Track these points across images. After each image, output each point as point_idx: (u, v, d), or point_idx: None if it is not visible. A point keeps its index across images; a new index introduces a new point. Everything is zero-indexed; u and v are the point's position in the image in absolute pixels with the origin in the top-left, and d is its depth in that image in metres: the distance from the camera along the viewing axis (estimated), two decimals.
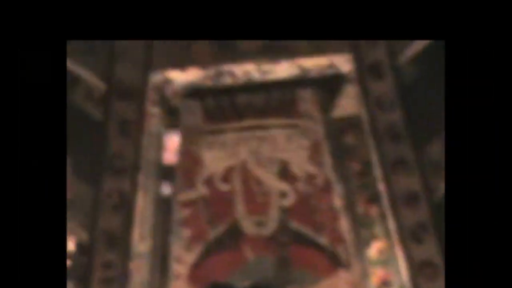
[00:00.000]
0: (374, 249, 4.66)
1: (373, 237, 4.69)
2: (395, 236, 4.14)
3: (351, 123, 4.96)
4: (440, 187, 4.12)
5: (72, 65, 4.53)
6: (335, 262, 4.21)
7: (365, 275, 4.38)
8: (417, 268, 3.98)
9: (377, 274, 4.56)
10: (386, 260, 4.59)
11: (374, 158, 4.36)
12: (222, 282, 2.43)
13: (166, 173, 4.92)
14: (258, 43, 4.51)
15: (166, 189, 4.88)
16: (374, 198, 4.71)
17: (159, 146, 4.97)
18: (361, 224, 4.71)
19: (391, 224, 4.15)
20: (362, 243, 4.59)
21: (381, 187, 4.27)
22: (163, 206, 4.80)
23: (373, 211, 4.74)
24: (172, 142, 5.03)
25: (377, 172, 4.31)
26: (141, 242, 4.37)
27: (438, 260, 3.97)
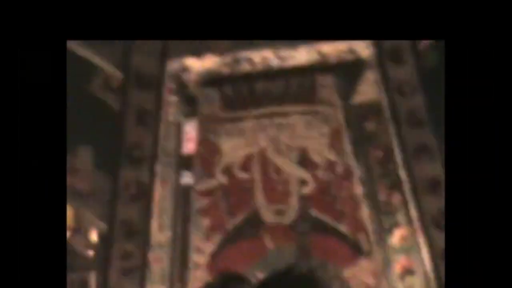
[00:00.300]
0: (397, 237, 4.61)
1: (395, 225, 4.64)
2: (417, 223, 4.12)
3: (372, 109, 4.94)
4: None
5: (88, 54, 4.56)
6: (357, 251, 4.24)
7: (387, 263, 4.37)
8: (440, 256, 3.94)
9: (400, 262, 4.51)
10: (409, 248, 4.54)
11: (395, 144, 4.34)
12: (234, 273, 2.42)
13: (185, 163, 4.94)
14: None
15: (185, 179, 4.90)
16: (395, 186, 4.67)
17: (178, 136, 4.97)
18: (383, 212, 4.68)
19: (413, 211, 4.14)
20: (384, 231, 4.58)
21: (403, 174, 4.25)
22: (182, 196, 4.83)
23: (395, 198, 4.68)
24: (191, 131, 5.02)
25: (398, 159, 4.30)
26: (160, 233, 4.39)
27: None
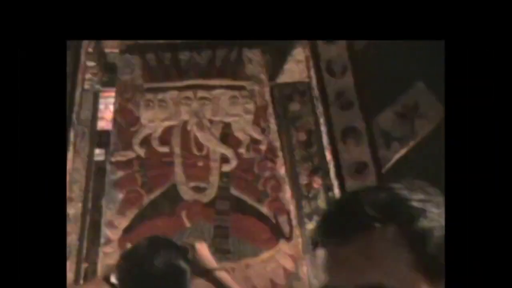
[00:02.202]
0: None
1: (316, 210, 4.67)
2: None
3: (296, 90, 4.97)
4: (389, 157, 4.08)
5: None
6: (277, 234, 4.19)
7: (307, 249, 4.29)
8: None
9: None
10: None
11: (322, 125, 4.22)
12: (163, 237, 2.33)
13: (99, 138, 4.90)
14: None
15: (97, 157, 4.85)
16: (317, 170, 4.72)
17: (94, 106, 4.90)
18: (304, 196, 4.71)
19: (337, 195, 4.05)
20: (304, 216, 4.60)
21: (328, 156, 4.13)
22: (96, 171, 4.77)
23: (317, 183, 4.73)
24: (107, 108, 4.97)
25: (324, 140, 4.17)
26: (70, 205, 4.29)
27: None
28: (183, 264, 2.16)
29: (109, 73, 4.90)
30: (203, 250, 2.35)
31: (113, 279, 2.28)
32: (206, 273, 2.31)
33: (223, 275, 2.36)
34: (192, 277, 2.21)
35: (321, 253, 1.38)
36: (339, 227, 1.29)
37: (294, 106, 5.01)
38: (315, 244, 1.34)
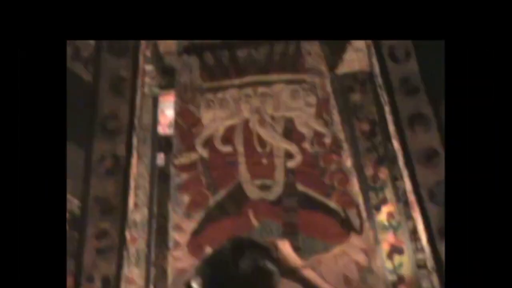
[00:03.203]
0: (384, 214, 4.56)
1: (383, 201, 4.56)
2: (412, 197, 4.04)
3: (358, 80, 4.91)
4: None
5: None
6: (347, 227, 4.16)
7: (376, 241, 4.30)
8: (437, 231, 3.87)
9: (387, 240, 4.46)
10: (397, 226, 4.51)
11: (388, 114, 4.26)
12: (247, 238, 2.23)
13: (161, 143, 4.89)
14: None
15: (161, 161, 4.85)
16: (383, 160, 4.64)
17: (155, 110, 4.92)
18: (370, 187, 4.62)
19: (408, 185, 4.04)
20: (372, 207, 4.52)
21: (395, 145, 4.17)
22: (160, 175, 4.77)
23: (383, 173, 4.63)
24: (167, 112, 4.95)
25: (391, 129, 4.21)
26: (136, 211, 4.31)
27: None
28: (270, 265, 2.06)
29: (167, 76, 4.90)
30: (287, 248, 2.24)
31: (195, 285, 2.17)
32: (292, 273, 2.21)
33: (310, 274, 2.26)
34: (280, 278, 2.12)
35: None
36: None
37: (355, 97, 4.92)
38: None
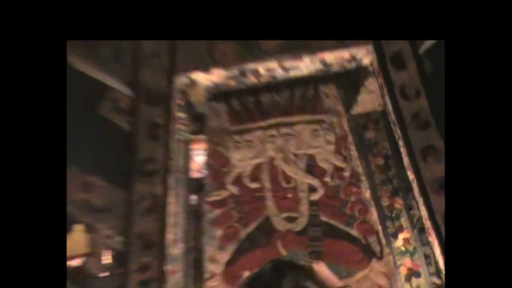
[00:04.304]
0: (400, 240, 4.77)
1: (399, 228, 4.77)
2: (428, 223, 4.08)
3: (371, 119, 5.14)
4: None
5: (98, 74, 4.57)
6: (369, 254, 4.22)
7: (395, 265, 4.45)
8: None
9: (405, 264, 4.65)
10: (413, 251, 4.70)
11: (402, 147, 4.33)
12: (287, 259, 2.34)
13: (194, 185, 5.05)
14: (281, 40, 4.55)
15: (194, 200, 5.01)
16: (397, 191, 4.81)
17: (187, 154, 5.07)
18: (387, 216, 4.81)
19: (423, 212, 4.12)
20: (389, 234, 4.71)
21: (410, 176, 4.24)
22: (194, 212, 4.90)
23: (398, 203, 4.84)
24: (197, 159, 5.16)
25: (405, 161, 4.28)
26: (174, 245, 4.41)
27: None
28: (311, 286, 2.11)
29: (198, 122, 5.03)
30: (324, 269, 2.34)
31: None
32: None
33: None
34: None
35: None
36: None
37: (370, 134, 5.13)
38: None
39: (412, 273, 4.69)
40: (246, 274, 4.02)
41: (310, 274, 2.16)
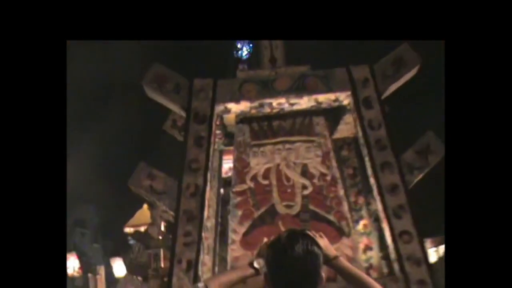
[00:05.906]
0: (361, 225, 5.59)
1: (361, 217, 5.65)
2: (382, 214, 4.96)
3: (346, 142, 5.94)
4: (412, 180, 4.99)
5: (164, 101, 5.38)
6: (340, 233, 5.11)
7: (357, 242, 5.24)
8: (398, 235, 4.83)
9: (363, 242, 5.50)
10: (369, 233, 5.56)
11: (367, 162, 5.15)
12: (300, 229, 2.46)
13: (224, 182, 5.89)
14: (289, 84, 5.23)
15: (223, 191, 5.87)
16: (361, 192, 5.63)
17: (220, 159, 5.93)
18: (353, 209, 5.65)
19: (379, 206, 5.04)
20: (354, 221, 5.51)
21: (372, 181, 5.11)
22: (223, 198, 5.82)
23: (361, 200, 5.71)
24: (225, 166, 5.93)
25: (369, 171, 5.15)
26: (208, 220, 5.24)
27: (412, 230, 4.80)
28: (317, 250, 2.23)
29: (228, 138, 5.88)
30: (325, 241, 2.42)
31: (256, 264, 2.44)
32: (329, 260, 2.38)
33: (344, 262, 2.44)
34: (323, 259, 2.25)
35: None
36: None
37: (345, 152, 5.90)
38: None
39: (367, 248, 5.53)
40: (261, 241, 4.36)
41: (316, 242, 2.28)
